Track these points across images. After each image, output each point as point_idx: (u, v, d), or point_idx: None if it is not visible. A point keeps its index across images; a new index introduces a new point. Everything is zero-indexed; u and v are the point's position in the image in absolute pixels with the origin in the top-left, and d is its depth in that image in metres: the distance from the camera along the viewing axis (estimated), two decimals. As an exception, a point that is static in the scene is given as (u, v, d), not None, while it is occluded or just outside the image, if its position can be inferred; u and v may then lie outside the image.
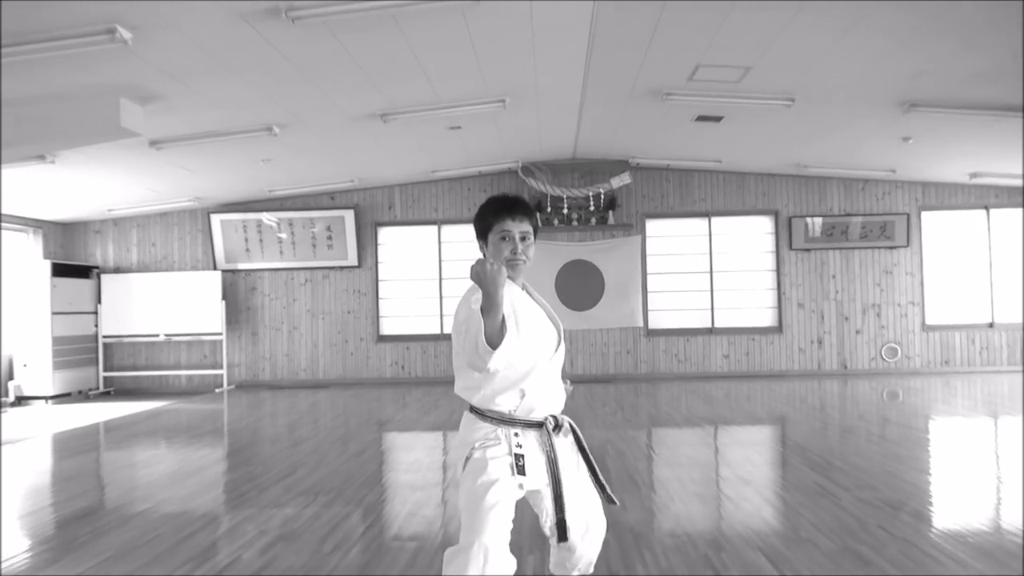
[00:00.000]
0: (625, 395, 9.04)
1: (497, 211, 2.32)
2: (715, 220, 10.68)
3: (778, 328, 10.54)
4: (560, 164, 10.40)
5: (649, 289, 10.59)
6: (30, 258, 10.33)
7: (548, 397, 2.31)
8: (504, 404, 2.26)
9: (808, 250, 10.52)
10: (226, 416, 8.53)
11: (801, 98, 6.81)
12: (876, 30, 5.31)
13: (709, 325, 10.61)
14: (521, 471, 2.21)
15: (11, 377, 9.87)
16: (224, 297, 10.67)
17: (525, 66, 6.12)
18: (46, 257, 10.41)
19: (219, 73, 5.57)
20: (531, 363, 2.26)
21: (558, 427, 2.29)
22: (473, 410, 2.31)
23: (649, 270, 10.61)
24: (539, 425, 2.28)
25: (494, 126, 8.04)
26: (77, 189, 8.84)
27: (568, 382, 2.45)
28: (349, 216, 10.66)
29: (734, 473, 4.90)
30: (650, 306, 10.59)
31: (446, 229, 10.84)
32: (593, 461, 2.39)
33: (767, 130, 8.14)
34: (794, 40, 5.55)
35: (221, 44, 5.04)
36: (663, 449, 5.88)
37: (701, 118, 7.78)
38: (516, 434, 2.25)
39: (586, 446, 2.40)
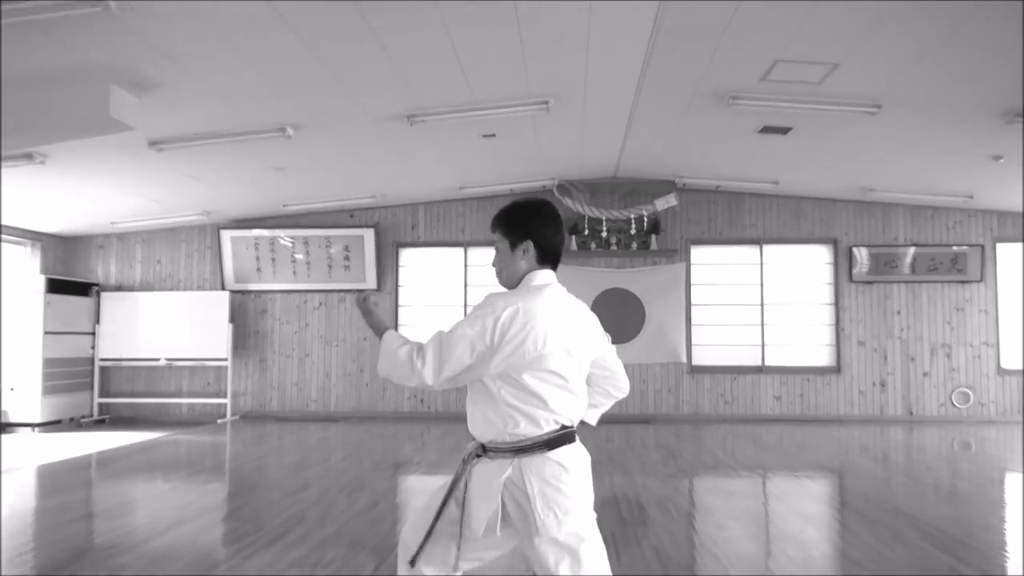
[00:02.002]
0: (667, 438, 8.09)
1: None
2: (767, 248, 9.76)
3: (836, 368, 9.55)
4: (599, 183, 9.56)
5: (694, 322, 9.66)
6: (24, 273, 9.59)
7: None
8: None
9: (870, 283, 9.57)
10: (226, 452, 7.66)
11: (889, 104, 5.93)
12: (990, 23, 4.44)
13: (759, 363, 9.64)
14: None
15: (-3, 401, 9.07)
16: (232, 320, 9.87)
17: (576, 58, 5.31)
18: (44, 272, 9.68)
19: (223, 56, 4.79)
20: None
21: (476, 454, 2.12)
22: None
23: (694, 301, 9.69)
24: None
25: (532, 136, 7.23)
26: (72, 197, 8.10)
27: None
28: (369, 235, 9.86)
29: (836, 548, 3.95)
30: (694, 340, 9.65)
31: (473, 252, 10.00)
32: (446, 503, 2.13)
33: (840, 144, 7.26)
34: (894, 33, 4.70)
35: (224, 17, 4.27)
36: (731, 507, 4.90)
37: (766, 129, 6.92)
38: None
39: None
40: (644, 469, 6.22)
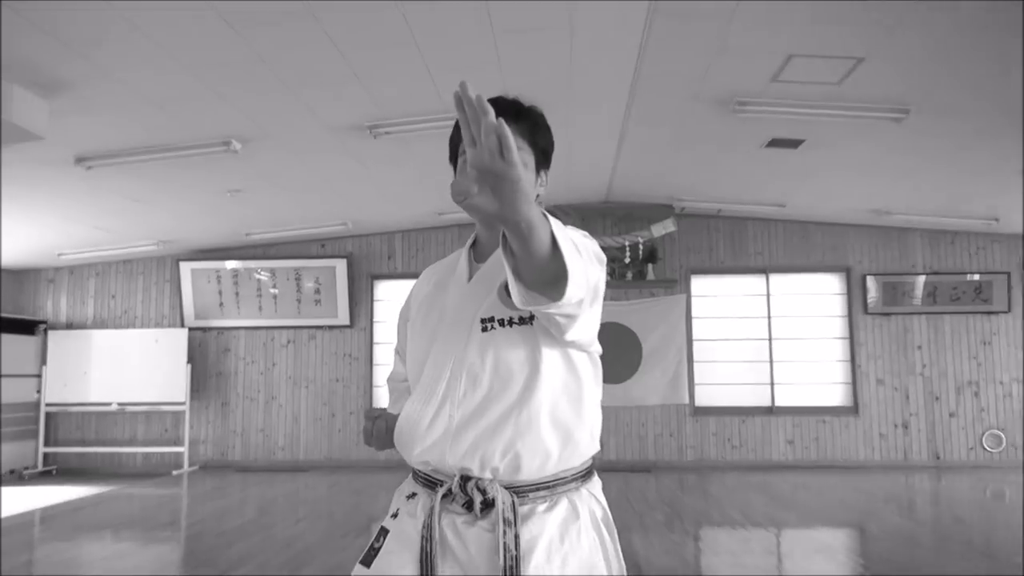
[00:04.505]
0: (670, 490, 7.23)
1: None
2: (774, 277, 8.98)
3: (853, 408, 8.70)
4: (590, 208, 8.80)
5: (695, 359, 8.83)
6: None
7: (446, 435, 1.29)
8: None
9: (887, 315, 8.77)
10: (171, 511, 6.78)
11: (918, 109, 5.19)
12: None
13: (769, 403, 8.79)
14: (367, 559, 1.33)
15: (-76, 453, 8.16)
16: (190, 360, 9.01)
17: (559, 53, 4.57)
18: (-14, 309, 8.85)
19: (140, 48, 4.03)
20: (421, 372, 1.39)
21: (468, 501, 1.26)
22: None
23: (695, 336, 8.87)
24: (437, 487, 1.31)
25: (514, 152, 6.47)
26: (4, 224, 7.28)
27: None
28: (341, 266, 9.06)
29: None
30: (697, 379, 8.81)
31: (455, 284, 9.18)
32: None
33: (855, 160, 6.52)
34: (934, 15, 3.97)
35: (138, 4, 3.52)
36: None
37: (775, 143, 6.18)
38: (411, 496, 1.37)
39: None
40: (645, 531, 5.35)
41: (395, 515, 1.36)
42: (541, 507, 1.28)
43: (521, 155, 1.33)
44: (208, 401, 9.18)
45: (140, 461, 9.21)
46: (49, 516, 6.49)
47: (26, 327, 9.07)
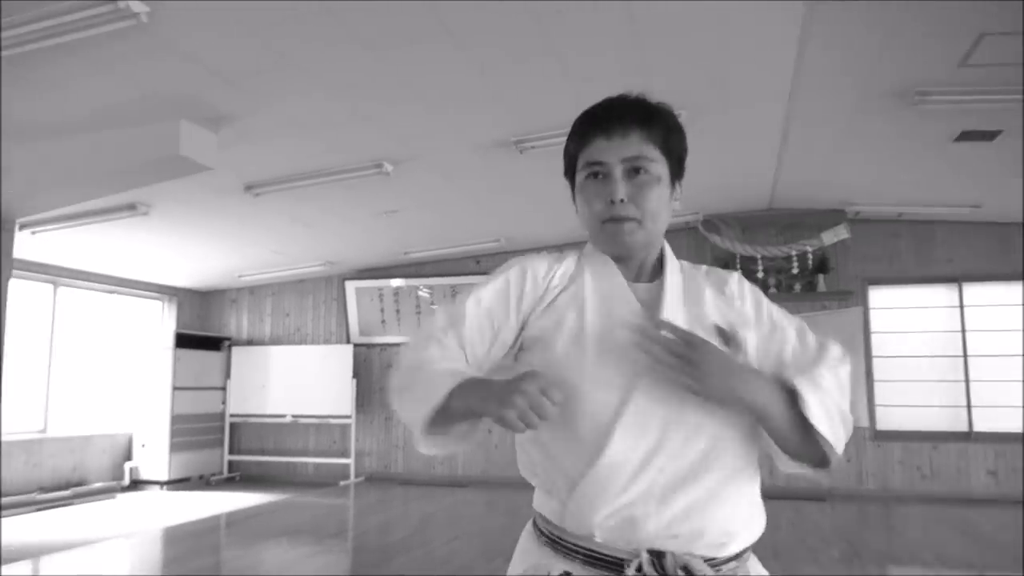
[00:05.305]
0: (848, 522, 6.60)
1: (582, 129, 1.25)
2: (968, 287, 8.01)
3: (1071, 436, 7.57)
4: (753, 216, 8.28)
5: (876, 377, 8.03)
6: (155, 329, 9.61)
7: (631, 502, 1.08)
8: (548, 507, 1.18)
9: (1112, 328, 7.56)
10: (348, 518, 7.09)
11: None
12: None
13: (966, 428, 7.82)
14: None
15: (129, 458, 9.01)
16: (356, 375, 9.38)
17: (709, 53, 4.28)
18: (180, 327, 9.68)
19: (290, 77, 4.20)
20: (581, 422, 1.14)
21: None
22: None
23: (875, 352, 8.07)
24: (613, 566, 1.08)
25: (666, 161, 6.19)
26: (190, 249, 7.93)
27: None
28: (496, 283, 9.09)
29: None
30: (878, 400, 8.01)
31: (609, 298, 8.97)
32: None
33: (1068, 150, 5.67)
34: None
35: (275, 27, 3.64)
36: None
37: (965, 136, 5.48)
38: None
39: None
40: (820, 568, 4.89)
41: None
42: None
43: (654, 167, 1.20)
44: (372, 415, 9.51)
45: (312, 471, 9.69)
46: (233, 521, 6.98)
47: (213, 344, 9.84)
